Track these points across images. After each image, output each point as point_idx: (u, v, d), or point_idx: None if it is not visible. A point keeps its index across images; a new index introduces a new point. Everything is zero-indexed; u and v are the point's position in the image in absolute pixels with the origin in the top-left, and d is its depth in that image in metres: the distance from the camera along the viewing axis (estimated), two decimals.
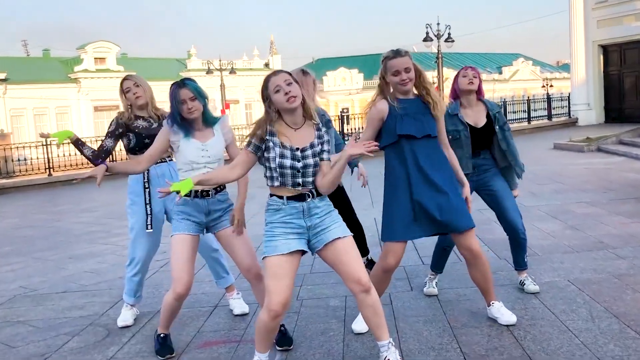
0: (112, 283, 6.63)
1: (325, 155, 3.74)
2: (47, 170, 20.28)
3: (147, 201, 5.08)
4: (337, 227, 3.77)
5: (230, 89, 56.51)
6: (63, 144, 5.16)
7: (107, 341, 4.88)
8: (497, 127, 5.04)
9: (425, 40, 33.88)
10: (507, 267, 5.90)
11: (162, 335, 4.47)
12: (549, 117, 30.58)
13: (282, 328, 4.35)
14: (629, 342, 4.09)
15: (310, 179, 3.69)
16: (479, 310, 4.85)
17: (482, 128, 5.03)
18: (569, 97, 31.67)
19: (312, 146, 3.70)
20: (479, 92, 5.10)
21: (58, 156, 20.83)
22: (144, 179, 5.09)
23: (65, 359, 4.57)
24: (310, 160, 3.67)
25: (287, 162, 3.63)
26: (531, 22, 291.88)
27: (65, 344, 4.88)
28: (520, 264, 5.34)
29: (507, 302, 4.81)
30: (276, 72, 3.75)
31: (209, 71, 51.63)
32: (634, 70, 27.10)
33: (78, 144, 5.01)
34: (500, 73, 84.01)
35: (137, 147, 5.04)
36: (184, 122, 4.27)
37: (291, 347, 4.37)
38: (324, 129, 3.79)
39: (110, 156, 5.44)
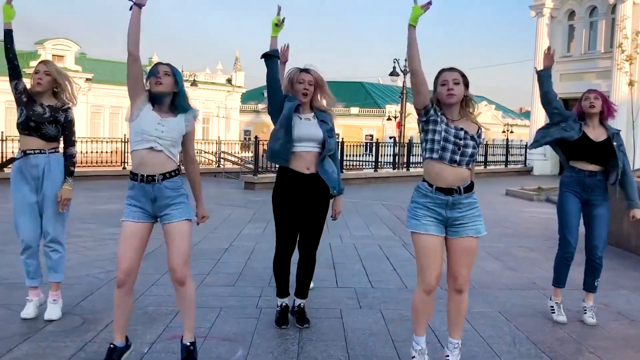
0: (79, 279, 7.27)
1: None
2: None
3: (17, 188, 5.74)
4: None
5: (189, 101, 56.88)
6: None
7: (84, 327, 5.56)
8: (615, 144, 5.81)
9: (391, 74, 35.16)
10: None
11: (111, 345, 4.54)
12: (506, 163, 31.91)
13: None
14: None
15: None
16: None
17: (601, 143, 5.81)
18: (526, 145, 33.09)
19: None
20: (602, 114, 5.89)
21: (12, 152, 21.14)
22: (19, 167, 5.71)
23: (47, 339, 5.23)
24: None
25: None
26: (498, 67, 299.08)
27: (44, 327, 5.54)
28: (590, 287, 6.14)
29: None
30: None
31: None
32: None
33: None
34: None
35: (22, 125, 5.64)
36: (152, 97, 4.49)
37: None
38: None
39: None
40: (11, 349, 4.98)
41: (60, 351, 4.98)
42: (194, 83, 53.26)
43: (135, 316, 5.76)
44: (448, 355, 4.65)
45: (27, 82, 5.75)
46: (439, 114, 4.35)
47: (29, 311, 5.84)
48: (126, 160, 23.24)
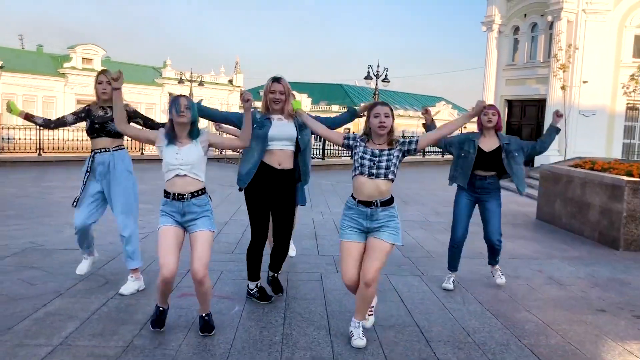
0: (105, 247, 7.22)
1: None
2: (37, 150, 20.29)
3: (84, 182, 5.45)
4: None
5: (196, 98, 56.01)
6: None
7: (107, 287, 5.57)
8: (504, 154, 5.85)
9: (366, 77, 35.10)
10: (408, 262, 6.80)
11: (160, 308, 4.57)
12: None
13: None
14: (486, 319, 5.05)
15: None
16: (385, 290, 5.74)
17: (491, 153, 5.84)
18: None
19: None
20: (496, 126, 5.93)
21: (48, 139, 20.94)
22: (88, 164, 5.44)
23: (76, 296, 5.24)
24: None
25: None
26: (455, 72, 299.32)
27: (74, 285, 5.54)
28: (493, 262, 6.26)
29: (411, 285, 5.72)
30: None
31: (180, 81, 51.71)
32: (531, 123, 28.80)
33: (28, 117, 5.49)
34: None
35: (89, 130, 5.45)
36: (172, 132, 4.42)
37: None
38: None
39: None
40: (45, 304, 4.98)
41: (87, 305, 4.99)
42: (200, 83, 52.91)
43: (148, 277, 5.77)
44: (352, 331, 4.45)
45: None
46: (359, 141, 4.43)
47: (82, 267, 5.74)
48: (143, 147, 23.12)
